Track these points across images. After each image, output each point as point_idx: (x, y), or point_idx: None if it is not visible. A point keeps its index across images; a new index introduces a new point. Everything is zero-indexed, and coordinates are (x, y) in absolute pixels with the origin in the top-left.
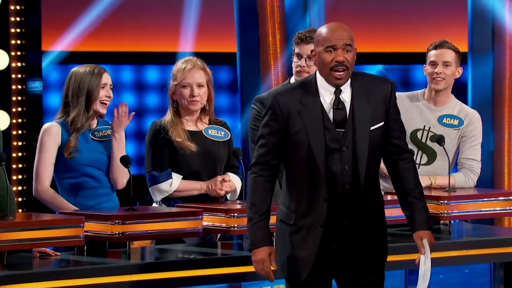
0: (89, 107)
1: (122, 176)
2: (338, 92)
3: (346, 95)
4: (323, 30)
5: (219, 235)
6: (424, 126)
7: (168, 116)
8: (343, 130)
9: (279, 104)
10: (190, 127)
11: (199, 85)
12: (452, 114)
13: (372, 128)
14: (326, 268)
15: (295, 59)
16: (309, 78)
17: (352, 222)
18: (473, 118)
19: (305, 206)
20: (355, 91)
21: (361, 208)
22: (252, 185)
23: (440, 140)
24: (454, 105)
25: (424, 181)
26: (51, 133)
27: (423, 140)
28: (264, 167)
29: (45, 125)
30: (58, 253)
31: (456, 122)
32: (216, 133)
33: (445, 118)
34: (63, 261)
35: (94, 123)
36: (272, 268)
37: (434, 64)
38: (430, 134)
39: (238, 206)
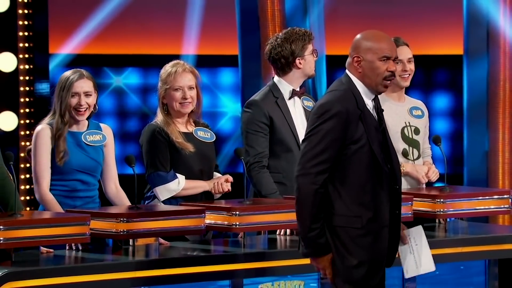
0: (63, 114)
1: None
2: (376, 97)
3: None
4: (374, 38)
5: (211, 232)
6: (405, 122)
7: (160, 118)
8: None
9: (347, 111)
10: (182, 129)
11: (190, 88)
12: (415, 106)
13: None
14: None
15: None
16: (348, 82)
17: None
18: (425, 107)
19: (369, 209)
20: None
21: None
22: (315, 197)
23: (436, 140)
24: (409, 98)
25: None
26: (43, 136)
27: (410, 136)
28: (324, 176)
29: (37, 129)
30: (51, 250)
31: (420, 112)
32: (204, 135)
33: (414, 111)
34: (69, 258)
35: (84, 125)
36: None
37: (399, 61)
38: (412, 127)
39: (241, 205)
